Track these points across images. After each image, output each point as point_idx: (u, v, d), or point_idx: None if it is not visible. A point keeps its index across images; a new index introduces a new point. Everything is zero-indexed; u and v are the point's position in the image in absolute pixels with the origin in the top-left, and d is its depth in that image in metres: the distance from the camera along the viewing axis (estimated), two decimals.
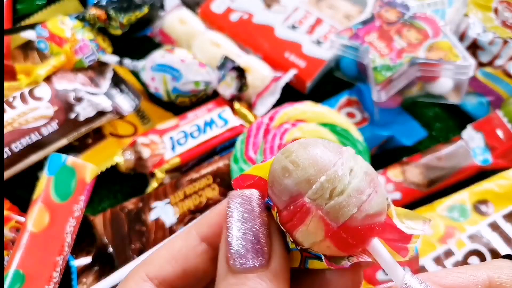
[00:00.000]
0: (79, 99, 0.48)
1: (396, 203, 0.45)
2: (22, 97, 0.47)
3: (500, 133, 0.47)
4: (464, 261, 0.40)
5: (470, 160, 0.46)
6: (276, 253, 0.19)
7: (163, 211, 0.44)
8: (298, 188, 0.18)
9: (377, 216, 0.19)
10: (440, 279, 0.20)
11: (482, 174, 0.46)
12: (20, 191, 0.46)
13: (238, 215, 0.19)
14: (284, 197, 0.18)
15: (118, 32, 0.54)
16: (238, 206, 0.19)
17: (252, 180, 0.20)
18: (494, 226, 0.42)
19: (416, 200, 0.45)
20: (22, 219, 0.43)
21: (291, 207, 0.18)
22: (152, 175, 0.47)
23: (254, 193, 0.19)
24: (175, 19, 0.56)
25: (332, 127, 0.44)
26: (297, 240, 0.19)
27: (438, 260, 0.41)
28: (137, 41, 0.58)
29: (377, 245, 0.19)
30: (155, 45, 0.56)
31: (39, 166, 0.46)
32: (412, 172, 0.46)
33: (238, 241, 0.18)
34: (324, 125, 0.44)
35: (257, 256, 0.18)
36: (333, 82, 0.54)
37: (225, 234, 0.19)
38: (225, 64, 0.50)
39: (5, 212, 0.44)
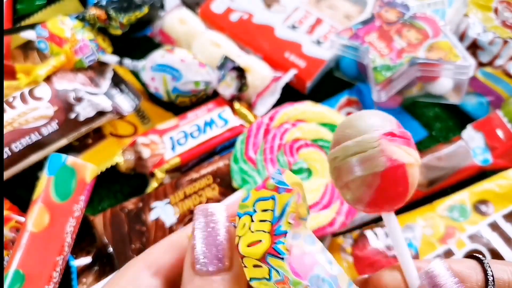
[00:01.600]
0: (79, 99, 0.48)
1: None
2: (22, 97, 0.47)
3: (500, 133, 0.47)
4: None
5: (470, 160, 0.46)
6: (236, 259, 0.20)
7: (163, 211, 0.44)
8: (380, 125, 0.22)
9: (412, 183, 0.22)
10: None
11: (482, 174, 0.46)
12: (20, 191, 0.46)
13: (203, 226, 0.21)
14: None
15: (118, 32, 0.54)
16: (203, 219, 0.21)
17: None
18: (494, 226, 0.42)
19: (416, 200, 0.45)
20: (22, 219, 0.43)
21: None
22: (152, 175, 0.47)
23: (219, 207, 0.21)
24: (175, 19, 0.56)
25: (332, 127, 0.44)
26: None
27: None
28: (137, 41, 0.58)
29: (393, 218, 0.22)
30: (155, 45, 0.56)
31: (39, 166, 0.45)
32: None
33: (203, 248, 0.20)
34: (324, 125, 0.44)
35: (219, 261, 0.20)
36: (333, 82, 0.54)
37: (190, 243, 0.21)
38: (225, 64, 0.50)
39: (5, 212, 0.44)
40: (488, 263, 0.23)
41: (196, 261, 0.20)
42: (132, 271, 0.22)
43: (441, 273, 0.21)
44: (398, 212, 0.44)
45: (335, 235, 0.43)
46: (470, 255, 0.24)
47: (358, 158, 0.21)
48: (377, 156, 0.21)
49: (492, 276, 0.22)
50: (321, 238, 0.43)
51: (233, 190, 0.43)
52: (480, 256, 0.24)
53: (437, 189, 0.45)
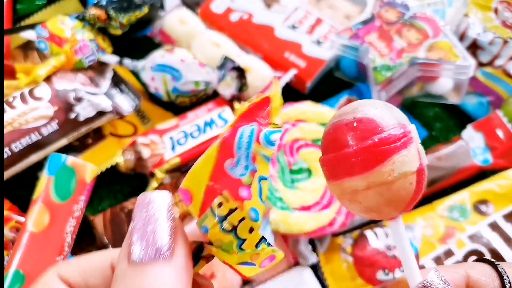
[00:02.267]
0: (79, 99, 0.48)
1: None
2: (22, 97, 0.47)
3: (500, 133, 0.46)
4: (464, 261, 0.40)
5: (470, 160, 0.46)
6: (180, 249, 0.19)
7: None
8: (403, 119, 0.21)
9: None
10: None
11: (482, 174, 0.46)
12: (20, 191, 0.46)
13: (140, 215, 0.19)
14: (393, 121, 0.21)
15: (118, 32, 0.54)
16: (142, 207, 0.19)
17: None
18: (494, 226, 0.42)
19: None
20: (22, 219, 0.43)
21: (401, 130, 0.20)
22: (152, 175, 0.47)
23: (162, 194, 0.20)
24: (175, 19, 0.56)
25: None
26: (387, 170, 0.20)
27: (438, 260, 0.41)
28: (137, 41, 0.58)
29: (401, 223, 0.22)
30: (155, 45, 0.56)
31: (39, 166, 0.45)
32: None
33: (139, 238, 0.18)
34: (324, 125, 0.44)
35: (157, 251, 0.18)
36: (333, 82, 0.54)
37: (128, 234, 0.19)
38: (225, 64, 0.50)
39: (5, 212, 0.44)
40: (503, 268, 0.22)
41: (131, 252, 0.18)
42: (43, 279, 0.20)
43: (439, 287, 0.21)
44: None
45: (335, 235, 0.43)
46: (482, 258, 0.24)
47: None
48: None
49: (510, 282, 0.22)
50: (321, 238, 0.43)
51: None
52: (494, 260, 0.23)
53: (437, 189, 0.45)
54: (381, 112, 0.21)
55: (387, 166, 0.20)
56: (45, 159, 0.45)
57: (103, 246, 0.43)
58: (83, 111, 0.48)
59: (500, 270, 0.22)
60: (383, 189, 0.20)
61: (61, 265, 0.21)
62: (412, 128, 0.21)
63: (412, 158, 0.20)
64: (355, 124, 0.21)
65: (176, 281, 0.18)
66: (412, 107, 0.52)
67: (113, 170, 0.47)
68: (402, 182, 0.20)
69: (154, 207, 0.19)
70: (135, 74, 0.55)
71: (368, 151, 0.20)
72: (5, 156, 0.45)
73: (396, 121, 0.21)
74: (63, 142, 0.47)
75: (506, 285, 0.22)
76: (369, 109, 0.21)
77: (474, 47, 0.50)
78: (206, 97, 0.52)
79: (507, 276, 0.22)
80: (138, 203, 0.20)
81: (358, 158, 0.20)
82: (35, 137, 0.46)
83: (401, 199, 0.21)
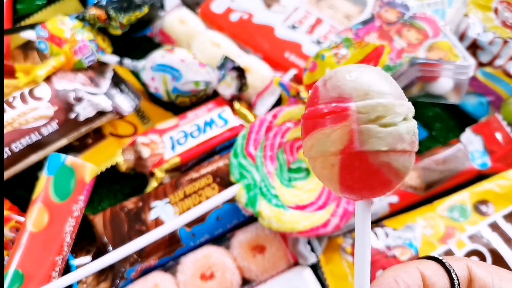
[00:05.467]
0: (79, 99, 0.48)
1: (393, 206, 0.45)
2: (22, 97, 0.47)
3: (499, 136, 0.46)
4: None
5: (468, 164, 0.46)
6: None
7: (163, 211, 0.44)
8: (352, 92, 0.18)
9: (396, 174, 0.18)
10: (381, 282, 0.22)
11: (480, 178, 0.45)
12: (20, 191, 0.46)
13: None
14: (333, 93, 0.18)
15: (118, 32, 0.54)
16: None
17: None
18: (494, 226, 0.42)
19: (413, 203, 0.45)
20: (22, 219, 0.43)
21: (333, 104, 0.18)
22: (152, 174, 0.47)
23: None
24: (175, 19, 0.56)
25: None
26: (309, 144, 0.19)
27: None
28: (137, 41, 0.58)
29: (366, 210, 0.20)
30: (155, 45, 0.56)
31: (39, 166, 0.46)
32: (409, 175, 0.46)
33: None
34: None
35: None
36: None
37: None
38: (225, 64, 0.50)
39: (5, 212, 0.44)
40: (449, 263, 0.23)
41: None
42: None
43: None
44: (398, 213, 0.44)
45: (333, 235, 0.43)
46: (427, 256, 0.24)
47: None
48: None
49: (456, 275, 0.22)
50: (320, 238, 0.43)
51: None
52: (438, 256, 0.23)
53: (434, 193, 0.45)
54: (340, 82, 0.18)
55: (309, 141, 0.19)
56: (45, 159, 0.45)
57: (103, 246, 0.43)
58: (83, 111, 0.48)
59: (447, 265, 0.23)
60: (311, 163, 0.20)
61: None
62: (354, 106, 0.18)
63: (334, 138, 0.18)
64: (313, 87, 0.19)
65: None
66: None
67: (113, 170, 0.47)
68: (322, 161, 0.19)
69: None
70: (135, 74, 0.55)
71: (303, 120, 0.19)
72: (5, 156, 0.45)
73: (341, 94, 0.18)
74: (63, 142, 0.47)
75: (454, 278, 0.22)
76: (339, 76, 0.18)
77: (474, 47, 0.50)
78: (206, 97, 0.52)
79: (453, 270, 0.22)
80: None
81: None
82: (35, 137, 0.46)
83: (327, 179, 0.19)
